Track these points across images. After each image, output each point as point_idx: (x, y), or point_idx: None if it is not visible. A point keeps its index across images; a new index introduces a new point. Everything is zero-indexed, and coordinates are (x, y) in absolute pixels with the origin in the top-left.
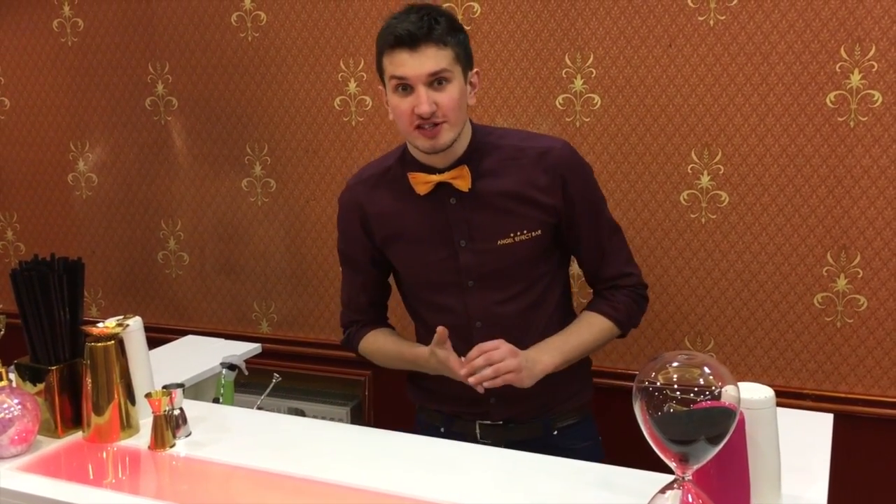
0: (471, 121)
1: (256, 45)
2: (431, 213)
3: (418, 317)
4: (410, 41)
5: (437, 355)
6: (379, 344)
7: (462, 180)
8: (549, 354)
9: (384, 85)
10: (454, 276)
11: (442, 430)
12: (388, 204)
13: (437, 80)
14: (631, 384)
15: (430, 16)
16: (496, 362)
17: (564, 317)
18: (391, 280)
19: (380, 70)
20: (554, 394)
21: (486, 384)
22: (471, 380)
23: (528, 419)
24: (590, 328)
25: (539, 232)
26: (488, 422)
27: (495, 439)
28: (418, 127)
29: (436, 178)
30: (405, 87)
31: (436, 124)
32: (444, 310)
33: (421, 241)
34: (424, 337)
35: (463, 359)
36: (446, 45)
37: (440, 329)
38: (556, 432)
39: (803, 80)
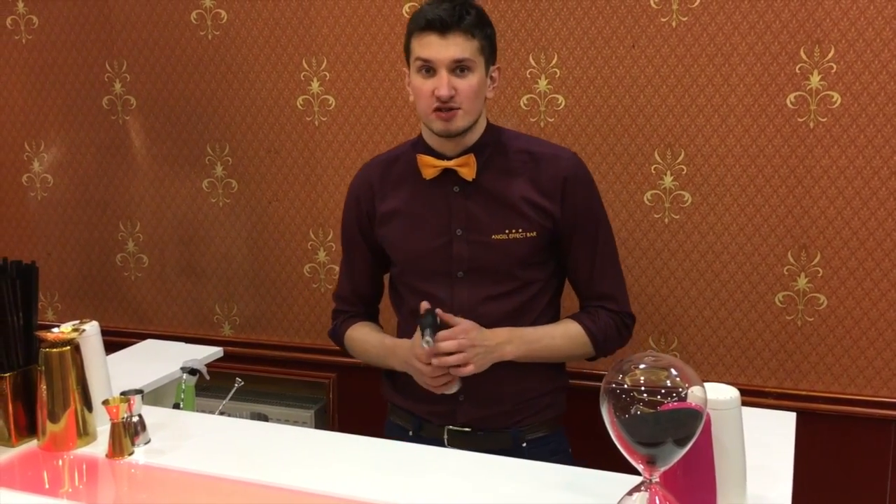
0: (487, 118)
1: (217, 43)
2: (434, 198)
3: (403, 306)
4: (441, 26)
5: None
6: (362, 333)
7: (468, 168)
8: (514, 344)
9: (408, 66)
10: (446, 264)
11: (410, 433)
12: (395, 184)
13: (459, 68)
14: (597, 384)
15: (463, 6)
16: (443, 353)
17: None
18: (385, 279)
19: (406, 50)
20: (525, 404)
21: (446, 361)
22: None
23: (496, 428)
24: (565, 334)
25: (535, 234)
26: (456, 427)
27: (463, 448)
28: (436, 109)
29: (443, 163)
30: (429, 69)
31: (451, 109)
32: (429, 298)
33: (419, 225)
34: (405, 330)
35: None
36: (474, 36)
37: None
38: (525, 444)
39: (764, 81)
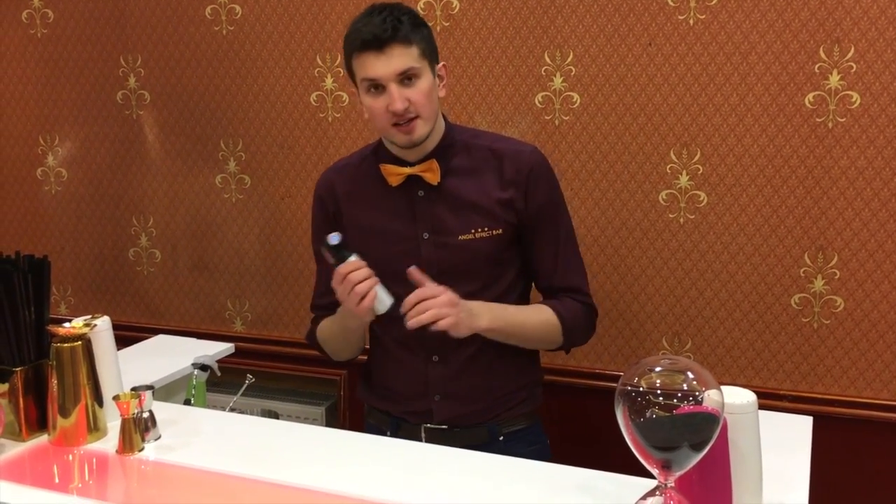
0: (445, 119)
1: (231, 38)
2: (400, 204)
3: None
4: (377, 43)
5: None
6: (328, 320)
7: (431, 174)
8: (489, 316)
9: (356, 86)
10: None
11: (388, 433)
12: (360, 191)
13: (406, 78)
14: (611, 384)
15: (394, 15)
16: (429, 299)
17: None
18: None
19: (350, 72)
20: (501, 399)
21: (421, 319)
22: (409, 323)
23: (473, 424)
24: (537, 313)
25: (500, 231)
26: (433, 425)
27: (441, 445)
28: (395, 124)
29: (407, 170)
30: (377, 86)
31: (410, 119)
32: (399, 301)
33: (386, 231)
34: (376, 332)
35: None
36: (411, 42)
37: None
38: (501, 438)
39: (782, 80)
